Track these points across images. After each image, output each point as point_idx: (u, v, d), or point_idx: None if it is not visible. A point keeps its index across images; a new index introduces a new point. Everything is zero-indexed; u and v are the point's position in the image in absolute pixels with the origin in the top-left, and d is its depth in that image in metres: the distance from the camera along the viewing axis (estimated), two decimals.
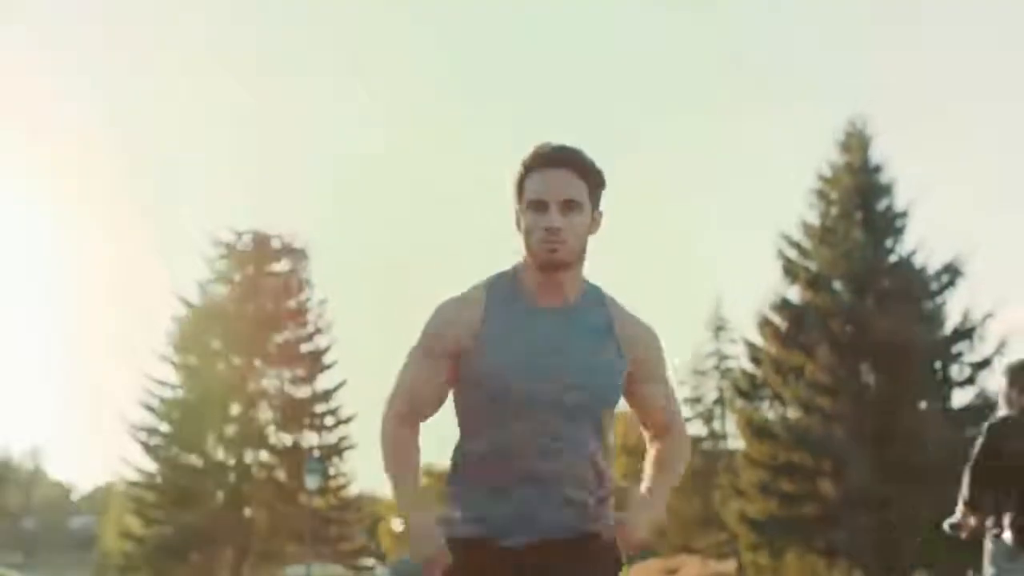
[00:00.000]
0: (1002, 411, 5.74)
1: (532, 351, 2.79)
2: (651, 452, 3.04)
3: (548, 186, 2.78)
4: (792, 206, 29.77)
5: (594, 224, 2.86)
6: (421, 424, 2.95)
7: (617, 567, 2.87)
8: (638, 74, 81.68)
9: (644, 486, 2.96)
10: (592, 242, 2.85)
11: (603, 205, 2.89)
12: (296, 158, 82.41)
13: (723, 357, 39.34)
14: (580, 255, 2.84)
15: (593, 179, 2.84)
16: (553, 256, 2.78)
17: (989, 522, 5.64)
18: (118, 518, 62.76)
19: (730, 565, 33.76)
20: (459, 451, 2.90)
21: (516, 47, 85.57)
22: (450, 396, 2.92)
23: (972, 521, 5.68)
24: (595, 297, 2.90)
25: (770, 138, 73.70)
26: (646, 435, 3.07)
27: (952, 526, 5.80)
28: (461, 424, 2.90)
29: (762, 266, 29.70)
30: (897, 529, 26.28)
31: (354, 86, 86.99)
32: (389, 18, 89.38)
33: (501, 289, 2.88)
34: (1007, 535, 5.51)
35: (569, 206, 2.78)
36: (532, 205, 2.80)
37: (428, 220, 78.81)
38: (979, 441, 5.63)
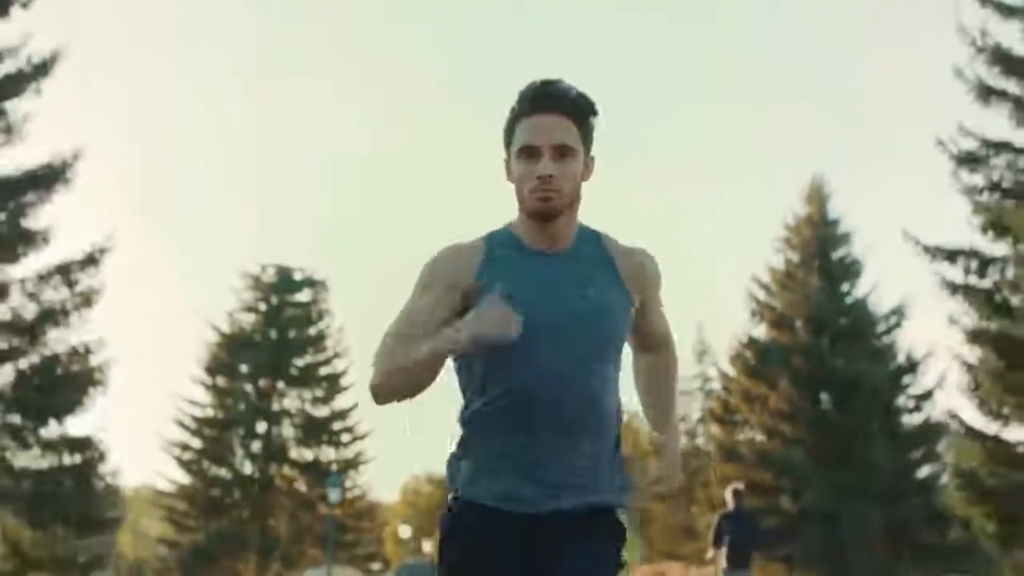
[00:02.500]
0: (725, 508, 12.36)
1: (536, 291, 2.80)
2: (646, 365, 3.14)
3: (540, 132, 2.79)
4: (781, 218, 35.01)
5: (587, 170, 2.87)
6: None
7: (622, 543, 2.91)
8: (636, 77, 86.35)
9: (657, 420, 3.08)
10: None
11: (594, 150, 2.89)
12: (299, 163, 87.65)
13: (706, 379, 44.87)
14: (574, 202, 2.86)
15: (586, 121, 2.85)
16: (547, 205, 2.80)
17: (719, 555, 11.82)
18: (134, 523, 68.18)
19: (710, 571, 39.18)
20: (466, 410, 2.90)
21: (515, 50, 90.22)
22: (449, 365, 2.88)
23: (715, 555, 11.83)
24: (590, 238, 2.93)
25: (765, 141, 79.00)
26: (633, 348, 3.12)
27: (709, 558, 11.98)
28: (467, 378, 2.90)
29: (742, 294, 34.93)
30: (848, 542, 31.66)
31: (356, 88, 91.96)
32: (392, 20, 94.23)
33: (499, 238, 2.91)
34: (723, 562, 11.68)
35: (562, 152, 2.79)
36: (523, 152, 2.81)
37: (435, 231, 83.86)
38: (715, 520, 11.79)
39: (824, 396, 33.53)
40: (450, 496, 2.92)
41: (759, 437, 34.04)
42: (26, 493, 20.15)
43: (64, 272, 20.65)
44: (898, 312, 33.77)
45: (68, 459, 20.89)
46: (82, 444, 21.01)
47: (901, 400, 33.73)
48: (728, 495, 13.24)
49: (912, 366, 33.41)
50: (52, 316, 20.42)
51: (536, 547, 2.81)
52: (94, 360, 20.69)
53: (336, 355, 41.59)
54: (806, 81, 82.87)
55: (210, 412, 40.55)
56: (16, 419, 19.98)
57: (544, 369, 2.78)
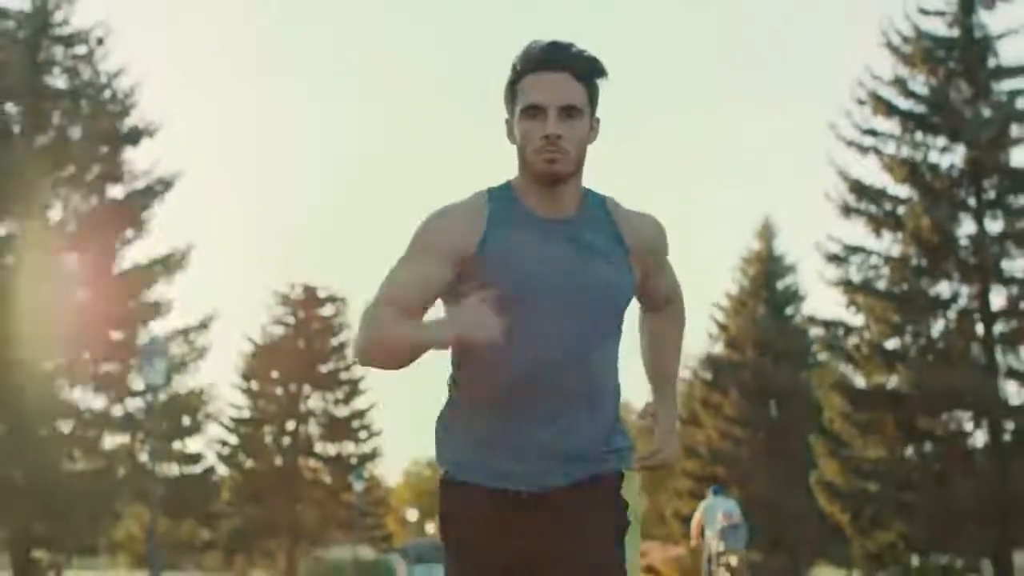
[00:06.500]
0: None
1: (539, 262, 2.94)
2: (651, 324, 3.33)
3: (545, 90, 2.91)
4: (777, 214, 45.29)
5: (592, 132, 3.00)
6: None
7: (624, 512, 3.09)
8: (637, 71, 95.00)
9: (655, 383, 3.29)
10: None
11: (600, 111, 3.01)
12: (317, 190, 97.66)
13: (680, 380, 55.31)
14: (579, 165, 2.98)
15: (593, 81, 2.98)
16: (552, 167, 2.91)
17: None
18: None
19: (682, 549, 49.51)
20: (460, 379, 3.08)
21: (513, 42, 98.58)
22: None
23: None
24: (596, 203, 3.07)
25: (759, 139, 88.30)
26: (640, 307, 3.31)
27: None
28: (463, 347, 2.98)
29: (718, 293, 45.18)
30: (788, 525, 41.96)
31: (356, 88, 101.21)
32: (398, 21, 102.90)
33: (503, 198, 3.02)
34: None
35: (568, 112, 2.91)
36: (527, 112, 2.93)
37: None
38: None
39: (767, 404, 43.89)
40: (441, 472, 3.12)
41: (714, 437, 44.41)
42: (160, 493, 30.63)
43: (184, 333, 31.05)
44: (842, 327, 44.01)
45: (188, 469, 31.50)
46: (197, 457, 31.66)
47: None
48: None
49: None
50: (175, 366, 30.77)
51: (534, 522, 2.97)
52: (206, 397, 31.20)
53: (355, 362, 51.37)
54: (804, 77, 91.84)
55: (246, 412, 49.70)
56: (151, 440, 30.28)
57: (545, 343, 2.93)
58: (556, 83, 2.91)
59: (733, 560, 18.64)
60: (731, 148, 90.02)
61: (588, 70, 2.96)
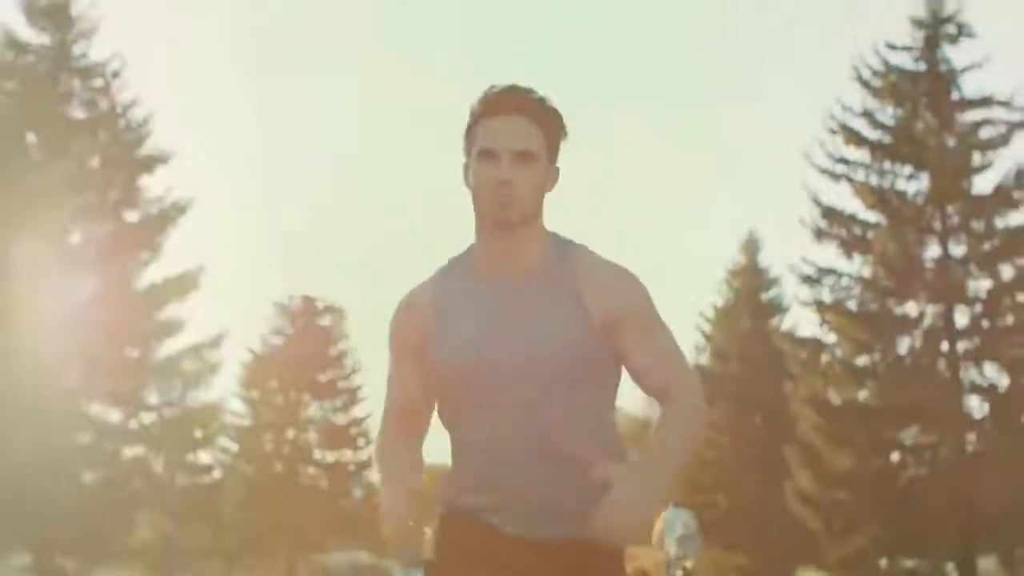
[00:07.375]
0: None
1: (484, 332, 2.94)
2: (654, 435, 3.13)
3: (500, 135, 2.90)
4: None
5: (550, 180, 2.97)
6: (424, 433, 3.21)
7: None
8: (634, 73, 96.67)
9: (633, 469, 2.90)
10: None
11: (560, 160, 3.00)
12: (302, 161, 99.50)
13: None
14: (535, 213, 2.95)
15: (551, 128, 2.95)
16: (504, 213, 2.89)
17: None
18: None
19: (662, 554, 51.79)
20: (450, 444, 3.12)
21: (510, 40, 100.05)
22: None
23: None
24: (557, 254, 2.98)
25: (748, 138, 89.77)
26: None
27: None
28: (440, 413, 3.13)
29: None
30: (772, 530, 44.29)
31: (357, 100, 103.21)
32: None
33: (456, 268, 3.05)
34: None
35: (523, 158, 2.89)
36: (481, 155, 2.91)
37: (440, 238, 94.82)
38: None
39: (751, 414, 46.27)
40: (439, 506, 3.11)
41: (702, 446, 46.79)
42: (172, 502, 33.06)
43: (196, 350, 33.44)
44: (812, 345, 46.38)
45: (199, 479, 33.89)
46: (208, 468, 34.06)
47: None
48: None
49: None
50: (189, 382, 33.19)
51: (521, 565, 2.93)
52: (217, 411, 33.59)
53: (353, 371, 53.47)
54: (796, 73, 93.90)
55: (246, 421, 52.16)
56: (163, 452, 32.69)
57: (496, 415, 2.92)
58: (511, 128, 2.91)
59: (689, 564, 21.60)
60: (725, 157, 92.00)
61: (545, 115, 2.96)
